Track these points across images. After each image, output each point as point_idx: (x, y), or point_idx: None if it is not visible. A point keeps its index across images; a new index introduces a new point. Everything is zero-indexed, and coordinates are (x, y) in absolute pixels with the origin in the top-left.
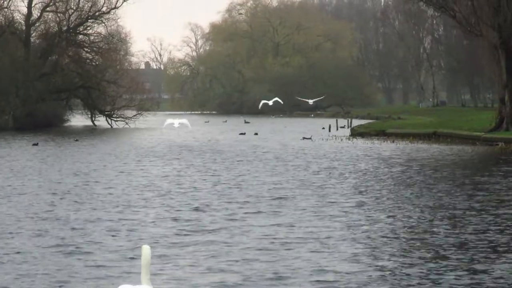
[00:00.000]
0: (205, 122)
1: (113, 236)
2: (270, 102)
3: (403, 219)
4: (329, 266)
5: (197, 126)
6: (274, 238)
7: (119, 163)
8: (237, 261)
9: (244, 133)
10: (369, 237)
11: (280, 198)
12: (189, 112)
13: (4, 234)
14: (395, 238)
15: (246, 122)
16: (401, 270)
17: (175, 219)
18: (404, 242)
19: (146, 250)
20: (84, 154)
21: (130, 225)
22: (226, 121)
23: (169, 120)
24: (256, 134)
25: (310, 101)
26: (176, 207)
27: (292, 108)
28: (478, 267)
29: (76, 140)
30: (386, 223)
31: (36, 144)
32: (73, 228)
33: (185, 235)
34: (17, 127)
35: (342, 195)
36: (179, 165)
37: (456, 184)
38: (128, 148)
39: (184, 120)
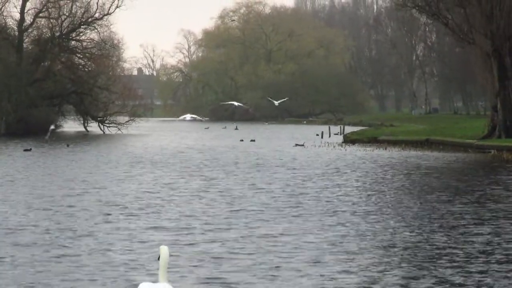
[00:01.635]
0: (205, 128)
1: (108, 244)
2: (277, 103)
3: (396, 228)
4: (327, 276)
5: (198, 133)
6: (274, 245)
7: (115, 170)
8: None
9: (242, 140)
10: (364, 247)
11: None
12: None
13: None
14: (391, 247)
15: (235, 129)
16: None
17: (165, 228)
18: (401, 250)
19: (164, 250)
20: (76, 160)
21: (126, 232)
22: (225, 127)
23: (182, 116)
24: (253, 140)
25: (276, 103)
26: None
27: (284, 114)
28: (472, 268)
29: (68, 146)
30: (378, 232)
31: (29, 150)
32: (67, 236)
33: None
34: (9, 132)
35: (339, 204)
36: (176, 173)
37: (449, 191)
38: (124, 154)
39: (194, 115)
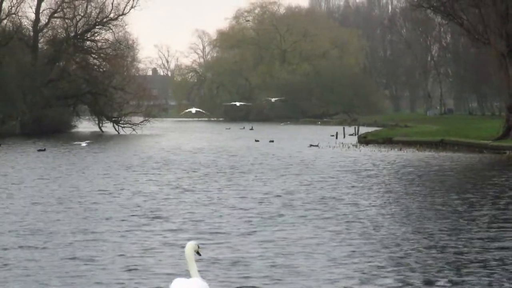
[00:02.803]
0: (226, 129)
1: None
2: (273, 100)
3: (413, 229)
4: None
5: (214, 134)
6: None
7: (131, 171)
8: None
9: (258, 140)
10: (380, 249)
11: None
12: (196, 119)
13: (11, 243)
14: (412, 250)
15: (251, 129)
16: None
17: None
18: (420, 253)
19: (188, 245)
20: (91, 160)
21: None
22: (243, 128)
23: (189, 109)
24: (271, 141)
25: (272, 99)
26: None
27: (298, 115)
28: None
29: (84, 144)
30: (397, 234)
31: (43, 150)
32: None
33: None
34: (24, 132)
35: (353, 205)
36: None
37: (466, 193)
38: (139, 155)
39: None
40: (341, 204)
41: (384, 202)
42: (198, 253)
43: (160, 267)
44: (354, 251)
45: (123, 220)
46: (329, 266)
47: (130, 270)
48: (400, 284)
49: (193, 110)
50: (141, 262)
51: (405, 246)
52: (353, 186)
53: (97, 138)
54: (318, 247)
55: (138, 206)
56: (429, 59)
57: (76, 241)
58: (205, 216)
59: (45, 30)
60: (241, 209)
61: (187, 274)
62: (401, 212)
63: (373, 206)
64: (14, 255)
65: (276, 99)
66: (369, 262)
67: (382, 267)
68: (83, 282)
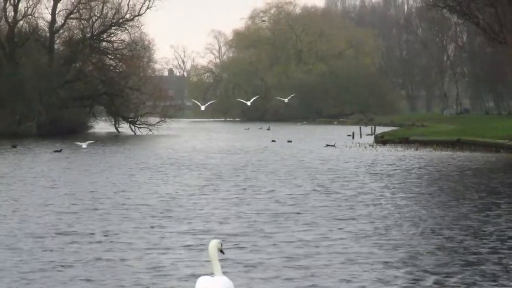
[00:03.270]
0: (245, 129)
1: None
2: (249, 103)
3: (432, 230)
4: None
5: (230, 134)
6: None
7: (148, 172)
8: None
9: (274, 141)
10: (403, 250)
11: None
12: (213, 120)
13: (33, 243)
14: (429, 252)
15: (268, 129)
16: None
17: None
18: (438, 256)
19: (211, 243)
20: (108, 161)
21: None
22: (261, 128)
23: (202, 107)
24: (289, 141)
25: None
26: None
27: (314, 115)
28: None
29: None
30: (415, 234)
31: (59, 151)
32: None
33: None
34: (40, 133)
35: (386, 207)
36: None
37: (483, 192)
38: (156, 156)
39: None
40: (360, 204)
41: (403, 202)
42: (221, 251)
43: (181, 268)
44: (372, 252)
45: (142, 221)
46: (347, 266)
47: (151, 270)
48: (414, 285)
49: (202, 107)
50: (163, 263)
51: (423, 246)
52: (370, 186)
53: (114, 138)
54: (337, 247)
55: (157, 207)
56: (445, 58)
57: (97, 241)
58: (224, 217)
59: (61, 31)
60: (261, 209)
61: (207, 275)
62: (420, 212)
63: (392, 205)
64: (35, 257)
65: (288, 98)
66: (387, 262)
67: (398, 267)
68: (105, 282)
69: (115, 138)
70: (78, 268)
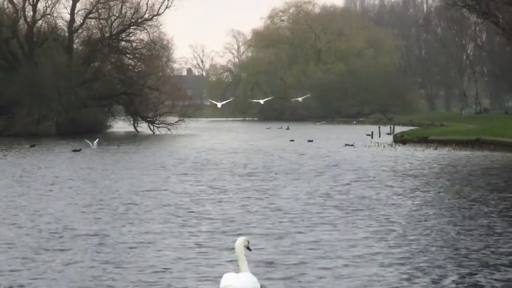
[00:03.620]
0: (267, 128)
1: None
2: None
3: (453, 230)
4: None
5: (249, 134)
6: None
7: (169, 171)
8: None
9: (293, 140)
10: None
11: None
12: (231, 119)
13: (54, 244)
14: (455, 256)
15: (287, 129)
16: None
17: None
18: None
19: (238, 241)
20: (127, 160)
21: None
22: (281, 128)
23: (219, 105)
24: (310, 141)
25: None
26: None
27: (333, 114)
28: None
29: (119, 146)
30: (436, 234)
31: (78, 150)
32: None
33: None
34: (59, 133)
35: (396, 206)
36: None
37: (503, 192)
38: (176, 156)
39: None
40: (380, 204)
41: (423, 202)
42: (248, 248)
43: (202, 269)
44: (393, 252)
45: (165, 221)
46: (368, 266)
47: (176, 270)
48: (436, 285)
49: (219, 105)
50: (187, 263)
51: (444, 247)
52: (390, 186)
53: (132, 138)
54: (359, 248)
55: (179, 207)
56: (464, 58)
57: (117, 242)
58: (245, 217)
59: (80, 31)
60: (282, 209)
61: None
62: (441, 212)
63: (412, 205)
64: (54, 258)
65: (303, 97)
66: (409, 263)
67: (420, 267)
68: (124, 284)
69: (134, 138)
70: (94, 269)
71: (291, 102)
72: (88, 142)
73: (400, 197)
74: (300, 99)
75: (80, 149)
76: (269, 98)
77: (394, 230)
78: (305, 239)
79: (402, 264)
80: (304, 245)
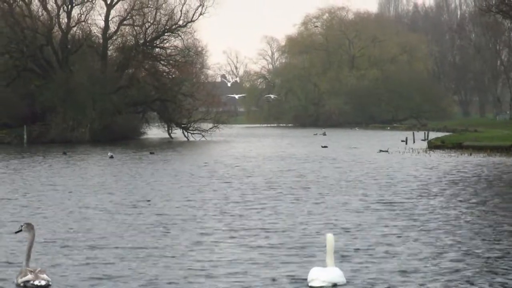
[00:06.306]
0: (314, 134)
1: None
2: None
3: (488, 238)
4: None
5: (284, 140)
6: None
7: (206, 179)
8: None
9: (326, 146)
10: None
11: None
12: (265, 125)
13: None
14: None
15: (324, 135)
16: None
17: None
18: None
19: (330, 237)
20: (161, 168)
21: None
22: (316, 134)
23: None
24: (354, 148)
25: (272, 96)
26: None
27: (367, 120)
28: None
29: (152, 153)
30: (469, 242)
31: (112, 157)
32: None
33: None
34: (94, 139)
35: (430, 212)
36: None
37: None
38: (214, 161)
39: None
40: (415, 210)
41: (459, 209)
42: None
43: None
44: (434, 258)
45: (204, 228)
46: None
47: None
48: None
49: (237, 97)
50: (231, 271)
51: (481, 255)
52: (427, 192)
53: (168, 144)
54: (403, 259)
55: (218, 214)
56: (498, 63)
57: (152, 248)
58: (287, 226)
59: (114, 38)
60: (319, 217)
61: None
62: (477, 220)
63: (446, 212)
64: (87, 261)
65: (273, 96)
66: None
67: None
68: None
69: (169, 144)
70: (133, 274)
71: (325, 108)
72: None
73: (439, 204)
74: (272, 96)
75: (112, 156)
76: (276, 96)
77: (436, 237)
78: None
79: (429, 271)
80: (348, 253)
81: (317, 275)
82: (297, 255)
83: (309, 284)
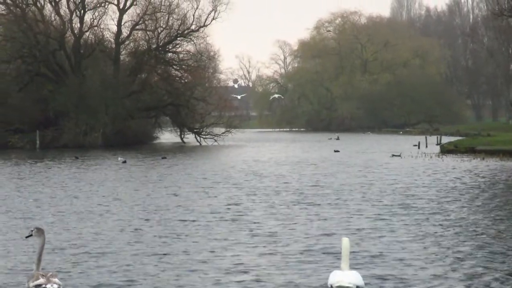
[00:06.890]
0: (329, 139)
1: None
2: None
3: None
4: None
5: (297, 144)
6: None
7: (216, 184)
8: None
9: (338, 151)
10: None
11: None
12: (278, 130)
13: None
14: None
15: (337, 139)
16: None
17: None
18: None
19: (346, 241)
20: (173, 173)
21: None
22: (331, 138)
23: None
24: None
25: (276, 95)
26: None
27: (380, 124)
28: None
29: (164, 158)
30: (478, 251)
31: (124, 162)
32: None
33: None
34: (106, 144)
35: (443, 217)
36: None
37: None
38: (226, 166)
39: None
40: (432, 215)
41: (477, 214)
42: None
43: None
44: (448, 263)
45: (218, 234)
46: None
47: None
48: None
49: (239, 97)
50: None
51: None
52: (441, 197)
53: (180, 149)
54: (414, 266)
55: (231, 219)
56: (511, 67)
57: (167, 254)
58: (302, 230)
59: (126, 42)
60: (335, 222)
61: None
62: (499, 224)
63: (463, 216)
64: (110, 265)
65: (277, 95)
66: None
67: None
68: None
69: (181, 149)
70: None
71: (337, 113)
72: (121, 158)
73: (452, 211)
74: (276, 96)
75: (125, 161)
76: (279, 95)
77: (442, 241)
78: (366, 253)
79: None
80: (367, 259)
81: (340, 277)
82: (312, 259)
83: (335, 285)
